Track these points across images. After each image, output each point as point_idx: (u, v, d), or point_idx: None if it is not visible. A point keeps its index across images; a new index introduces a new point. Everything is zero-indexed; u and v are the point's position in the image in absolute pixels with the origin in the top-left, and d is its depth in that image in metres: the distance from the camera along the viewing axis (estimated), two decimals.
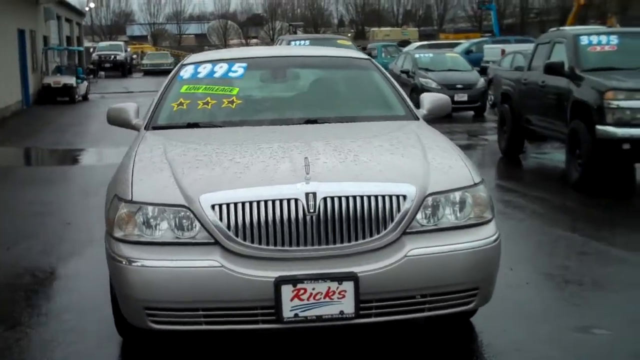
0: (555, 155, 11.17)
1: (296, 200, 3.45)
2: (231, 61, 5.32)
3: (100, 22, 72.76)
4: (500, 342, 4.10)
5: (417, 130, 4.60)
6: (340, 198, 3.46)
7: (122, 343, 4.19)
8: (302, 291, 3.37)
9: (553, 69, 9.47)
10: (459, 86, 16.88)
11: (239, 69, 5.22)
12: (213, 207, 3.47)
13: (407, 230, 3.54)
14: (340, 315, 3.42)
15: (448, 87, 16.17)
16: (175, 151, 4.15)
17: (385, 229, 3.49)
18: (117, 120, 5.18)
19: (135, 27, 78.35)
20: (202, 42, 72.88)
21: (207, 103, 5.01)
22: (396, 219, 3.50)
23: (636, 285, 5.03)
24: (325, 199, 3.45)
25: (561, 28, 15.76)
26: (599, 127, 8.19)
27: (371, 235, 3.48)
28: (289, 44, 17.45)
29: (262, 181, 3.57)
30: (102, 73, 41.47)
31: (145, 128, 4.88)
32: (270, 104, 5.20)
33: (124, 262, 3.50)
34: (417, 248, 3.48)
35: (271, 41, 64.45)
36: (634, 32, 10.52)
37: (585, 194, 8.21)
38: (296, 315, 3.40)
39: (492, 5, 51.69)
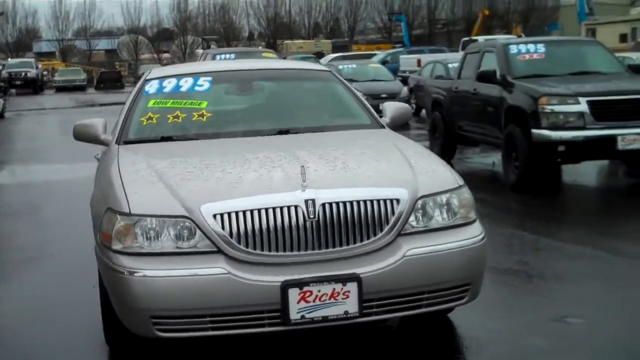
0: (485, 159, 11.59)
1: (296, 207, 3.56)
2: (196, 75, 5.39)
3: (6, 39, 70.60)
4: (481, 335, 4.28)
5: (390, 137, 4.79)
6: (338, 204, 3.59)
7: (110, 352, 4.21)
8: (308, 293, 3.48)
9: (485, 77, 9.85)
10: (383, 95, 17.27)
11: (204, 82, 5.29)
12: (215, 216, 3.54)
13: (402, 232, 3.69)
14: (345, 315, 3.54)
15: (373, 97, 16.48)
16: (161, 164, 4.19)
17: (381, 231, 3.64)
18: (84, 136, 5.17)
19: (42, 44, 76.35)
20: (112, 58, 71.73)
21: (177, 117, 5.05)
22: (391, 222, 3.66)
23: (595, 276, 5.33)
24: (324, 205, 3.57)
25: (474, 37, 16.38)
26: (534, 131, 8.57)
27: (368, 238, 3.63)
28: (214, 57, 17.45)
29: (259, 190, 3.67)
30: (13, 90, 40.31)
31: (116, 142, 4.88)
32: (240, 116, 5.28)
33: (126, 273, 3.53)
34: (413, 248, 3.64)
35: (183, 56, 63.97)
36: (558, 40, 11.09)
37: (524, 194, 8.57)
38: (303, 317, 3.50)
39: (402, 17, 52.96)
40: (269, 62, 7.78)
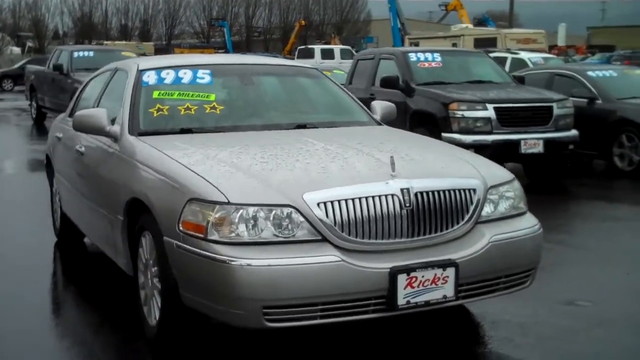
0: None
1: (393, 195, 3.68)
2: (193, 67, 5.29)
3: None
4: (505, 319, 4.56)
5: (407, 134, 5.00)
6: (428, 193, 3.76)
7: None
8: (414, 279, 3.61)
9: (389, 82, 10.28)
10: None
11: (205, 75, 5.22)
12: (319, 204, 3.58)
13: (479, 220, 3.92)
14: (443, 299, 3.70)
15: None
16: (221, 154, 4.14)
17: (462, 219, 3.85)
18: (87, 127, 4.92)
19: None
20: None
21: (188, 109, 4.97)
22: (471, 210, 3.88)
23: (587, 263, 5.84)
24: (416, 193, 3.72)
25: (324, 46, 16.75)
26: (444, 134, 9.11)
27: (453, 226, 3.82)
28: (71, 54, 16.68)
29: (353, 180, 3.75)
30: None
31: (130, 134, 4.71)
32: (252, 109, 5.25)
33: (233, 264, 3.46)
34: (496, 234, 3.88)
35: None
36: (451, 51, 11.79)
37: None
38: (408, 302, 3.62)
39: (225, 22, 52.99)
40: (257, 57, 7.71)
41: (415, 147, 4.49)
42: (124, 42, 59.51)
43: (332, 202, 3.60)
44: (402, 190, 3.70)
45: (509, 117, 9.18)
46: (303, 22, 65.57)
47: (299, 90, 5.64)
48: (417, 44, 34.40)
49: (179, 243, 3.71)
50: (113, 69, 5.85)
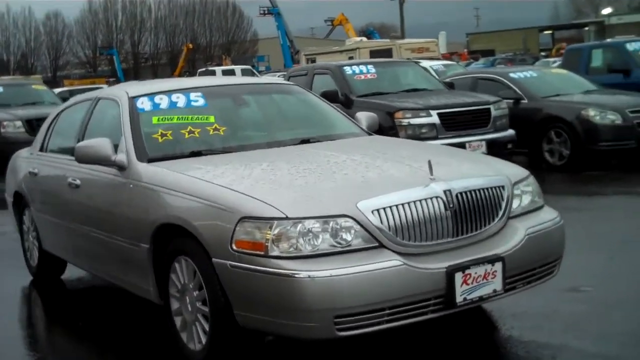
0: None
1: (437, 198, 3.84)
2: (184, 91, 5.31)
3: None
4: (523, 311, 4.77)
5: (408, 141, 5.18)
6: (467, 192, 3.94)
7: None
8: (468, 276, 3.76)
9: (329, 96, 10.41)
10: None
11: (198, 98, 5.25)
12: (373, 212, 3.70)
13: (509, 215, 4.13)
14: (494, 294, 3.88)
15: None
16: (254, 172, 4.20)
17: (497, 215, 4.05)
18: (91, 158, 4.84)
19: None
20: None
21: (192, 132, 4.98)
22: (503, 206, 4.09)
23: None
24: (457, 194, 3.90)
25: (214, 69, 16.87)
26: None
27: (489, 223, 4.01)
28: None
29: (396, 186, 3.88)
30: None
31: (140, 160, 4.69)
32: (253, 128, 5.31)
33: (300, 277, 3.52)
34: (530, 227, 4.09)
35: None
36: (383, 62, 12.06)
37: None
38: (465, 299, 3.77)
39: (114, 50, 52.03)
40: (241, 78, 7.67)
41: (432, 152, 4.66)
42: (10, 77, 57.52)
43: (384, 209, 3.72)
44: (445, 192, 3.86)
45: (452, 122, 9.54)
46: (190, 45, 65.29)
47: (289, 106, 5.74)
48: (313, 60, 34.87)
49: (234, 263, 3.73)
50: (93, 98, 5.77)
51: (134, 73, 65.10)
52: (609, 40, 19.32)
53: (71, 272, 6.50)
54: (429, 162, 3.98)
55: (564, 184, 10.10)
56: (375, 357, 4.27)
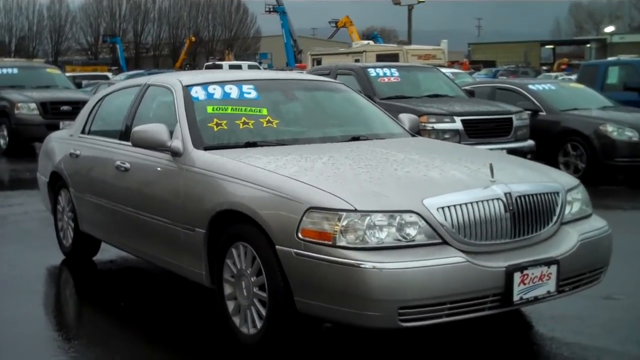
0: None
1: (499, 199, 3.96)
2: (237, 83, 5.41)
3: None
4: (561, 314, 4.90)
5: (458, 144, 5.30)
6: (526, 196, 4.07)
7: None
8: (526, 276, 3.89)
9: None
10: None
11: (250, 90, 5.35)
12: (438, 209, 3.81)
13: (563, 221, 4.25)
14: (547, 295, 4.00)
15: None
16: (315, 165, 4.31)
17: (552, 220, 4.18)
18: (148, 142, 4.94)
19: None
20: None
21: (246, 123, 5.08)
22: (557, 211, 4.21)
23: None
24: (516, 197, 4.02)
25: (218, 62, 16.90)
26: None
27: (545, 226, 4.14)
28: None
29: (459, 186, 4.00)
30: None
31: (196, 148, 4.79)
32: (305, 123, 5.41)
33: (370, 268, 3.63)
34: (584, 233, 4.22)
35: None
36: (406, 66, 12.21)
37: None
38: (521, 298, 3.90)
39: (118, 39, 52.03)
40: (288, 73, 7.76)
41: (486, 156, 4.79)
42: (12, 59, 57.38)
43: (449, 207, 3.84)
44: (505, 194, 3.98)
45: (475, 129, 9.68)
46: (193, 38, 65.33)
47: (335, 104, 5.85)
48: (319, 61, 34.98)
49: (300, 251, 3.84)
50: (142, 84, 5.86)
51: (135, 63, 65.08)
52: (623, 58, 19.53)
53: (103, 254, 6.58)
54: (490, 165, 4.10)
55: None
56: (419, 349, 4.37)
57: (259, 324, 4.17)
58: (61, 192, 6.62)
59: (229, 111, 5.13)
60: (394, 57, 32.12)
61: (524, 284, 3.88)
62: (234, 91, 5.30)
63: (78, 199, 6.22)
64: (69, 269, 6.43)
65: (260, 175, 4.23)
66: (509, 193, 4.00)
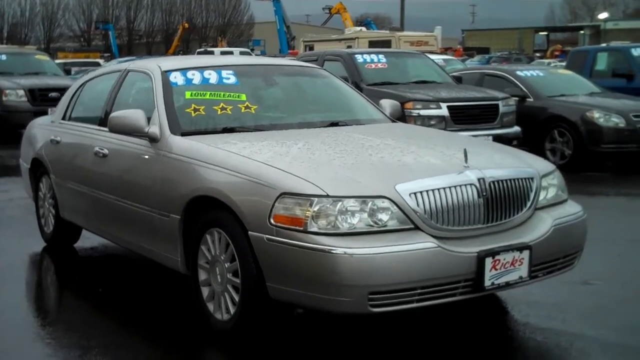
0: None
1: (472, 185, 3.96)
2: (216, 68, 5.39)
3: None
4: (535, 300, 4.89)
5: (435, 130, 5.29)
6: (499, 182, 4.07)
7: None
8: (497, 262, 3.89)
9: None
10: None
11: (229, 76, 5.33)
12: (410, 195, 3.81)
13: (537, 207, 4.26)
14: (520, 280, 4.00)
15: None
16: (290, 150, 4.30)
17: (525, 205, 4.18)
18: (125, 127, 4.92)
19: None
20: None
21: (224, 109, 5.06)
22: (531, 197, 4.21)
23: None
24: (489, 183, 4.02)
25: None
26: None
27: (518, 212, 4.14)
28: None
29: (432, 171, 4.00)
30: None
31: (173, 134, 4.77)
32: (283, 108, 5.40)
33: (339, 253, 3.62)
34: (557, 219, 4.22)
35: None
36: (393, 52, 12.17)
37: None
38: (492, 283, 3.90)
39: (110, 25, 51.80)
40: (270, 59, 7.73)
41: (462, 141, 4.78)
42: (5, 46, 57.17)
43: (421, 193, 3.83)
44: (478, 180, 3.98)
45: (461, 115, 9.67)
46: (186, 24, 65.09)
47: (316, 89, 5.84)
48: (312, 47, 34.92)
49: (272, 237, 3.84)
50: (122, 70, 5.83)
51: (128, 49, 64.83)
52: (614, 44, 19.51)
53: (83, 241, 6.57)
54: (464, 150, 4.10)
55: (566, 184, 10.25)
56: (393, 334, 4.38)
57: (232, 310, 4.17)
58: (42, 179, 6.60)
59: (207, 97, 5.12)
60: (386, 44, 32.12)
61: (496, 269, 3.89)
62: (213, 76, 5.27)
63: (58, 185, 6.20)
64: (50, 256, 6.42)
65: (234, 161, 4.22)
66: (483, 178, 4.00)
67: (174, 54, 56.57)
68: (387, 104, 5.86)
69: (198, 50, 41.19)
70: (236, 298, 4.13)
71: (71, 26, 68.11)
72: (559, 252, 4.24)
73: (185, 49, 63.20)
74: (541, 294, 4.96)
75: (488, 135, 9.69)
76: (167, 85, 5.12)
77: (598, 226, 7.15)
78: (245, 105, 5.11)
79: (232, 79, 5.30)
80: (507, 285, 3.98)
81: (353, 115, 5.54)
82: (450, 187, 3.90)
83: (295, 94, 5.71)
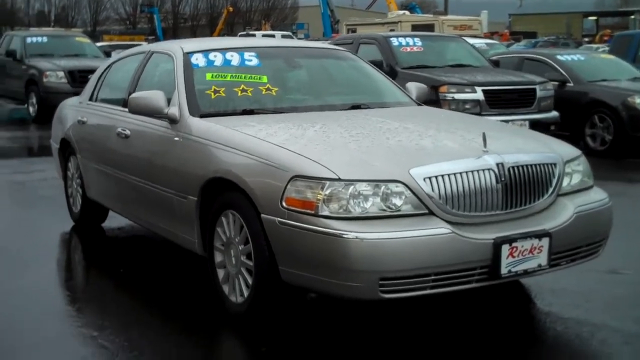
0: None
1: (490, 170, 3.84)
2: (239, 50, 5.33)
3: None
4: (561, 288, 4.78)
5: (459, 113, 5.18)
6: (520, 167, 3.95)
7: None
8: (514, 249, 3.78)
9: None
10: None
11: (252, 58, 5.27)
12: (425, 179, 3.72)
13: (559, 193, 4.12)
14: (538, 268, 3.89)
15: None
16: (307, 132, 4.24)
17: (547, 192, 4.05)
18: (144, 109, 4.89)
19: None
20: None
21: (244, 90, 5.01)
22: (554, 183, 4.08)
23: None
24: (509, 168, 3.90)
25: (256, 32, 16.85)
26: None
27: (539, 198, 4.01)
28: (24, 40, 16.24)
29: (450, 155, 3.89)
30: None
31: (192, 115, 4.74)
32: (305, 91, 5.33)
33: (350, 238, 3.54)
34: (580, 205, 4.09)
35: None
36: (430, 36, 12.01)
37: None
38: (509, 271, 3.79)
39: (155, 9, 52.15)
40: (295, 41, 7.71)
41: (485, 125, 4.66)
42: (51, 28, 57.98)
43: (436, 177, 3.74)
44: (497, 164, 3.87)
45: (496, 99, 9.49)
46: (231, 8, 65.24)
47: (341, 72, 5.75)
48: (354, 31, 34.71)
49: (283, 220, 3.78)
50: (146, 51, 5.82)
51: (173, 33, 65.24)
52: None
53: (111, 221, 6.60)
54: (484, 135, 3.99)
55: (605, 170, 9.97)
56: (413, 323, 4.31)
57: (246, 293, 4.14)
58: (70, 159, 6.65)
59: (228, 78, 5.07)
60: (429, 28, 31.79)
61: (513, 256, 3.78)
62: (235, 58, 5.22)
63: (84, 165, 6.23)
64: (78, 236, 6.47)
65: (249, 143, 4.18)
66: (502, 163, 3.88)
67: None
68: (413, 86, 5.75)
69: (240, 33, 41.30)
70: (250, 281, 4.09)
71: (117, 9, 68.93)
72: (581, 240, 4.11)
73: (230, 32, 63.37)
74: (567, 282, 4.83)
75: (524, 120, 9.50)
76: (188, 67, 5.09)
77: (634, 214, 7.01)
78: (266, 87, 5.05)
79: (255, 61, 5.24)
80: (525, 273, 3.87)
81: (377, 98, 5.45)
82: (467, 172, 3.80)
83: (318, 76, 5.63)
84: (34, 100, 15.21)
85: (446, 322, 4.36)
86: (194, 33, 66.67)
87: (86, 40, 17.84)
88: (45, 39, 16.55)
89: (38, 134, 14.00)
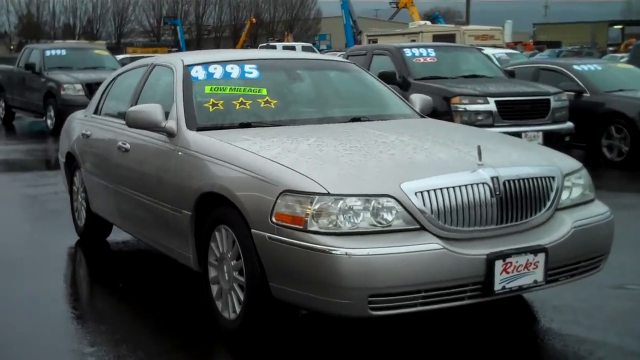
0: None
1: (484, 184, 3.76)
2: (239, 62, 5.30)
3: None
4: (564, 304, 4.67)
5: (459, 125, 5.10)
6: (515, 181, 3.85)
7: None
8: (508, 265, 3.69)
9: (386, 77, 10.33)
10: None
11: (252, 70, 5.23)
12: (416, 194, 3.64)
13: (557, 207, 4.02)
14: (534, 284, 3.79)
15: None
16: (300, 146, 4.18)
17: (545, 206, 3.95)
18: (142, 122, 4.86)
19: None
20: None
21: (243, 103, 4.97)
22: (551, 197, 3.99)
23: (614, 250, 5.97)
24: (504, 182, 3.81)
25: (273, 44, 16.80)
26: None
27: (536, 212, 3.92)
28: (43, 53, 16.38)
29: (443, 169, 3.81)
30: None
31: (189, 129, 4.70)
32: (304, 103, 5.29)
33: (339, 254, 3.47)
34: (577, 220, 3.99)
35: None
36: (444, 46, 11.91)
37: None
38: (503, 287, 3.70)
39: (178, 21, 52.52)
40: (297, 53, 7.69)
41: (483, 138, 4.57)
42: (74, 41, 58.63)
43: (428, 192, 3.66)
44: (492, 178, 3.78)
45: (509, 110, 9.38)
46: (254, 19, 65.45)
47: (343, 84, 5.70)
48: (375, 41, 34.65)
49: (273, 235, 3.72)
50: (149, 64, 5.80)
51: (197, 44, 65.69)
52: None
53: (116, 235, 6.58)
54: (479, 148, 3.90)
55: (621, 181, 9.86)
56: (410, 339, 4.22)
57: (238, 310, 4.08)
58: (76, 173, 6.65)
59: (227, 91, 5.04)
60: (450, 38, 31.63)
61: (507, 272, 3.69)
62: (235, 71, 5.19)
63: (88, 179, 6.23)
64: (82, 250, 6.45)
65: (241, 157, 4.13)
66: (497, 177, 3.80)
67: (242, 49, 57.03)
68: (417, 99, 5.67)
69: (260, 45, 41.46)
70: (242, 297, 4.03)
71: (141, 21, 69.50)
72: (580, 255, 4.00)
73: (253, 44, 63.62)
74: (571, 297, 4.73)
75: (538, 131, 9.37)
76: (187, 80, 5.06)
77: None
78: (265, 100, 5.01)
79: (255, 73, 5.20)
80: (521, 289, 3.77)
81: (378, 110, 5.38)
82: (460, 186, 3.72)
83: (319, 88, 5.58)
84: (52, 113, 15.32)
85: (443, 337, 4.28)
86: (217, 45, 67.10)
87: (105, 52, 17.96)
88: (64, 52, 16.68)
89: (54, 147, 14.04)
